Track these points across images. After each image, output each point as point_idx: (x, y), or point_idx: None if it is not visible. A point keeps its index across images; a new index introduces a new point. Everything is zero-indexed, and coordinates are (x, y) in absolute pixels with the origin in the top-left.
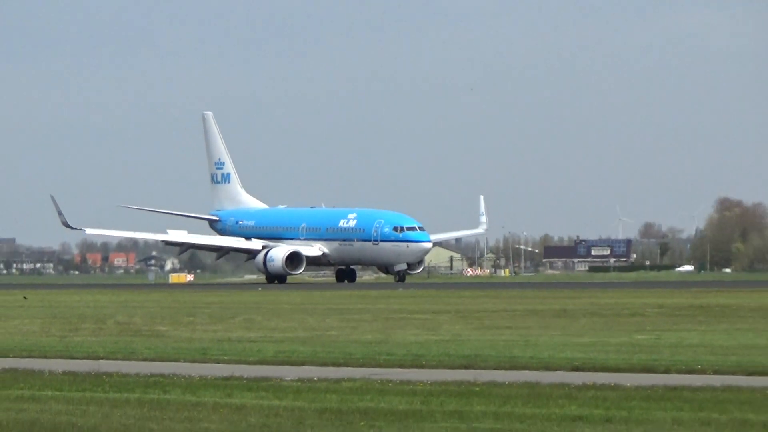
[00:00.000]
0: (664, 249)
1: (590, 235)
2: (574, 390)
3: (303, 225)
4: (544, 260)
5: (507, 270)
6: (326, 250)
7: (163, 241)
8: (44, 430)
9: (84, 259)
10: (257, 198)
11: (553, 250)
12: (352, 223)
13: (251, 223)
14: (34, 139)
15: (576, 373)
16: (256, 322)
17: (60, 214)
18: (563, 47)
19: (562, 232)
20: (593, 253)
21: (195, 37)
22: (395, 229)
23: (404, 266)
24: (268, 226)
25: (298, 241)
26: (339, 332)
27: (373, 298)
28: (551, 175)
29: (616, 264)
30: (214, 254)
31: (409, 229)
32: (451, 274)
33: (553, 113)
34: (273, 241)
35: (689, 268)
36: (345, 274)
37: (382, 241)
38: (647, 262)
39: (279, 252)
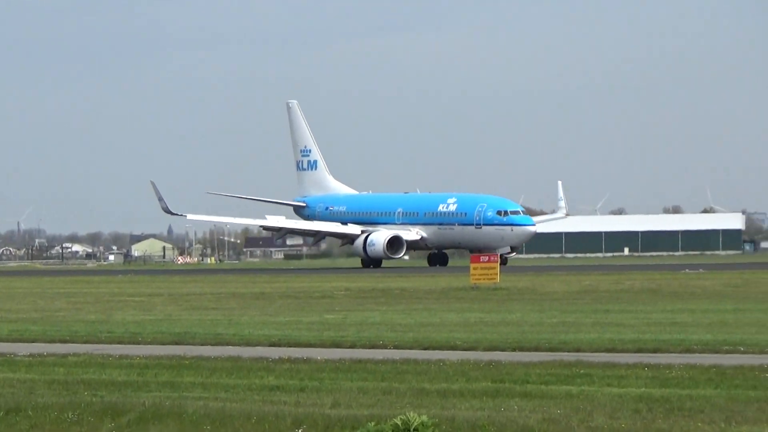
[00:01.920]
0: None
1: None
2: (272, 363)
3: (399, 210)
4: (245, 249)
5: (213, 258)
6: (424, 234)
7: (261, 225)
8: None
9: None
10: (345, 184)
11: (253, 241)
12: (453, 208)
13: (342, 208)
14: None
15: (273, 348)
16: None
17: (161, 200)
18: None
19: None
20: (288, 243)
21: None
22: (499, 213)
23: (507, 249)
24: (361, 212)
25: (394, 226)
26: (66, 313)
27: (96, 283)
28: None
29: (308, 252)
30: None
31: (513, 212)
32: (164, 261)
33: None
34: (367, 226)
35: None
36: (437, 258)
37: (485, 224)
38: (335, 251)
39: (380, 236)
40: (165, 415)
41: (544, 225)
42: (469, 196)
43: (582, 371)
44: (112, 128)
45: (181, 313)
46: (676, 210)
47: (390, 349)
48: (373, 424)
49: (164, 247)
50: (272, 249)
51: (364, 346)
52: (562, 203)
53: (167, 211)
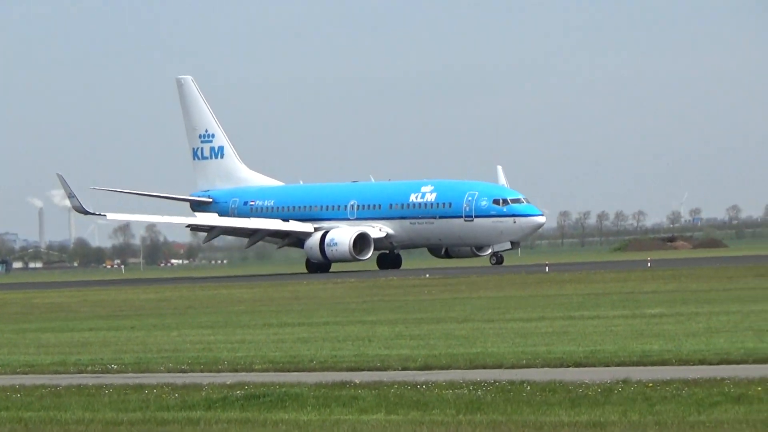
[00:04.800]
0: None
1: None
2: None
3: (352, 202)
4: None
5: None
6: (390, 231)
7: (188, 225)
8: None
9: None
10: (265, 174)
11: None
12: (431, 197)
13: (270, 203)
14: None
15: None
16: None
17: (72, 197)
18: None
19: None
20: None
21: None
22: (496, 201)
23: (507, 245)
24: (298, 206)
25: (347, 222)
26: None
27: None
28: None
29: None
30: None
31: (513, 201)
32: None
33: None
34: (309, 223)
35: None
36: (389, 259)
37: (478, 216)
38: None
39: (343, 234)
40: None
41: None
42: (451, 182)
43: None
44: None
45: None
46: None
47: None
48: None
49: None
50: None
51: None
52: None
53: (80, 210)
